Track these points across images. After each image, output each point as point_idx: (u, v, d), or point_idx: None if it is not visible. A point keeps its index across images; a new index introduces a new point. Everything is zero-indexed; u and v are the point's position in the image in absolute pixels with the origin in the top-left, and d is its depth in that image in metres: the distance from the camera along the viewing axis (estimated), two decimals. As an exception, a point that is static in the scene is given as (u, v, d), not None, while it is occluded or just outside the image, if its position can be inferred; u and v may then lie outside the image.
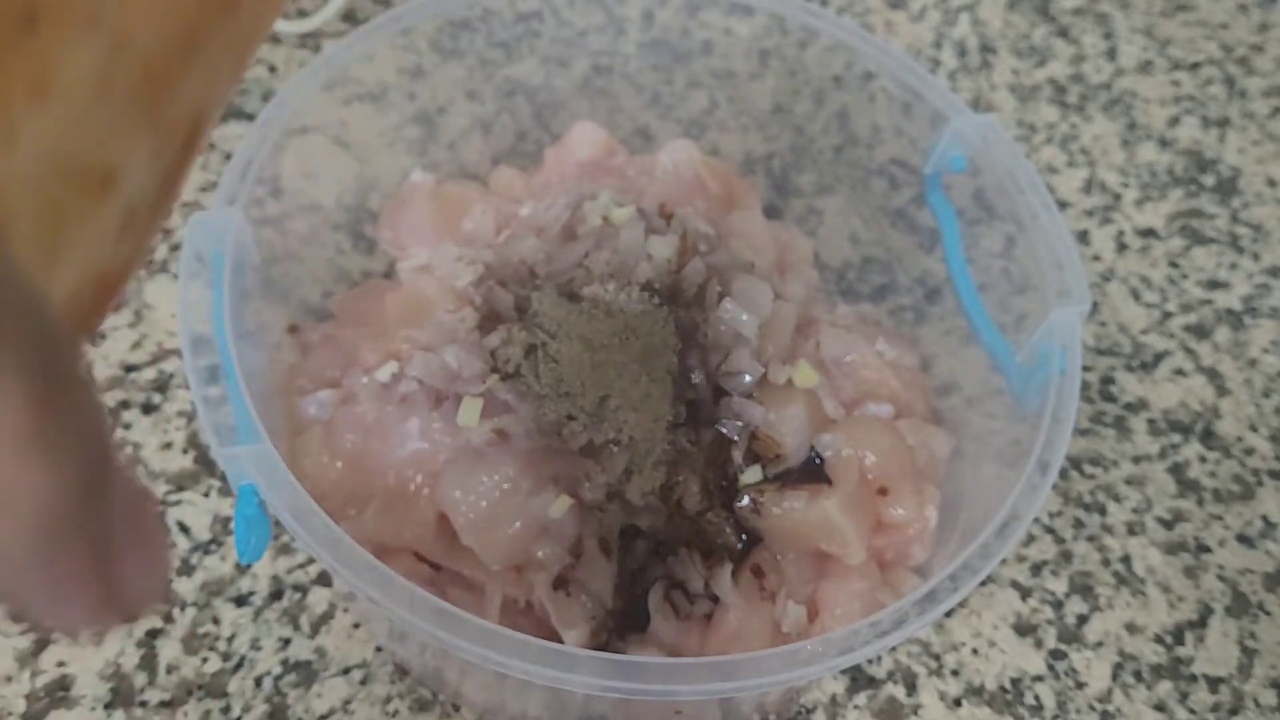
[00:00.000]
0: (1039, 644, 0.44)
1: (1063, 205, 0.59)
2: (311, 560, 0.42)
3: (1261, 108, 0.65)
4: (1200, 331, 0.54)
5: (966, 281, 0.44)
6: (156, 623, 0.41)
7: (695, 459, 0.38)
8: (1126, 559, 0.46)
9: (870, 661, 0.42)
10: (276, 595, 0.42)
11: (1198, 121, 0.64)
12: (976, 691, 0.42)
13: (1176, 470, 0.49)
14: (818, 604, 0.38)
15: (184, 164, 0.17)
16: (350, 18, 0.62)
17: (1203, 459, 0.50)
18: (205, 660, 0.40)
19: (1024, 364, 0.40)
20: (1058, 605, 0.45)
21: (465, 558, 0.37)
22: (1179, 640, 0.44)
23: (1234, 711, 0.43)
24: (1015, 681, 0.43)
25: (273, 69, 0.59)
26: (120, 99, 0.15)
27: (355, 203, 0.47)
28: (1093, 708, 0.42)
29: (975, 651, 0.43)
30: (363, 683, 0.40)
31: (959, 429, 0.43)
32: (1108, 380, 0.52)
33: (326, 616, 0.41)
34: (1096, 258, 0.57)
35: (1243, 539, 0.47)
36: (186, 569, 0.42)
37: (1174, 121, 0.64)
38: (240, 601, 0.41)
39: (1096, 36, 0.68)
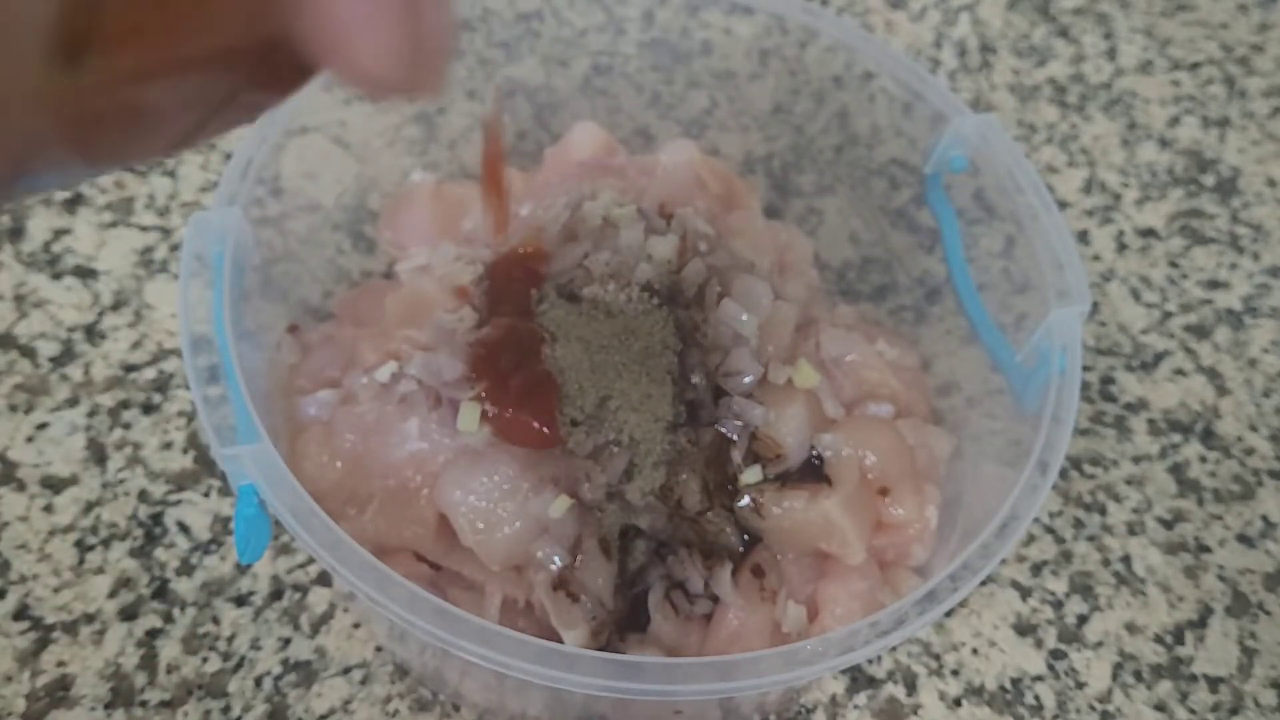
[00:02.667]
0: (1039, 644, 0.44)
1: (1063, 205, 0.59)
2: (311, 560, 0.42)
3: (1261, 108, 0.65)
4: (1200, 331, 0.54)
5: (966, 281, 0.44)
6: (156, 622, 0.41)
7: (695, 459, 0.38)
8: (1126, 559, 0.46)
9: (870, 661, 0.42)
10: (276, 595, 0.42)
11: (1198, 121, 0.64)
12: (976, 691, 0.42)
13: (1176, 470, 0.49)
14: (818, 604, 0.38)
15: None
16: (350, 18, 0.61)
17: (1203, 459, 0.50)
18: (205, 660, 0.40)
19: (1024, 364, 0.40)
20: (1058, 605, 0.45)
21: (465, 558, 0.37)
22: (1179, 640, 0.44)
23: (1234, 711, 0.43)
24: (1015, 681, 0.43)
25: (273, 69, 0.58)
26: None
27: (355, 203, 0.47)
28: (1093, 708, 0.42)
29: (975, 651, 0.43)
30: (363, 683, 0.40)
31: (959, 429, 0.43)
32: (1108, 380, 0.52)
33: (326, 616, 0.41)
34: (1096, 258, 0.57)
35: (1243, 539, 0.47)
36: (186, 569, 0.42)
37: (1174, 121, 0.64)
38: (240, 601, 0.41)
39: (1096, 36, 0.68)
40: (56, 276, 0.49)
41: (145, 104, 0.15)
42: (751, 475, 0.38)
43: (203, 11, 0.15)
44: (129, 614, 0.41)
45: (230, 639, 0.41)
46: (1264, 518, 0.48)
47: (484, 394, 0.37)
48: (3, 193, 0.13)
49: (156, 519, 0.43)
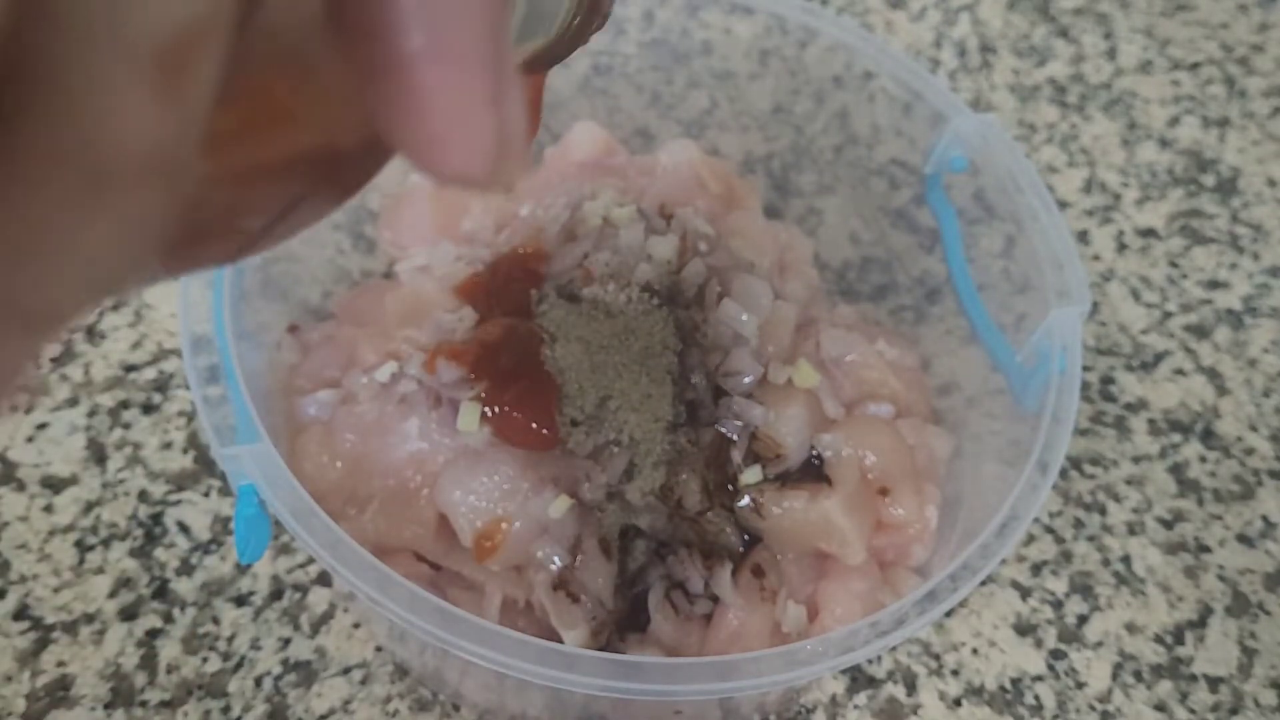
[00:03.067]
0: (1039, 644, 0.44)
1: (1063, 205, 0.59)
2: (311, 560, 0.42)
3: (1261, 108, 0.65)
4: (1200, 331, 0.54)
5: (966, 281, 0.44)
6: (156, 622, 0.41)
7: (695, 459, 0.38)
8: (1126, 559, 0.46)
9: (870, 661, 0.42)
10: (276, 595, 0.42)
11: (1198, 121, 0.64)
12: (976, 691, 0.42)
13: (1176, 470, 0.49)
14: (818, 604, 0.38)
15: None
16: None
17: (1203, 459, 0.50)
18: (205, 660, 0.40)
19: (1024, 364, 0.40)
20: (1058, 605, 0.45)
21: (465, 558, 0.37)
22: (1179, 640, 0.44)
23: (1234, 711, 0.43)
24: (1015, 681, 0.43)
25: (273, 69, 0.58)
26: None
27: (355, 203, 0.47)
28: (1093, 708, 0.42)
29: (975, 651, 0.43)
30: (363, 683, 0.40)
31: (959, 429, 0.43)
32: (1108, 380, 0.52)
33: (326, 616, 0.41)
34: (1096, 258, 0.57)
35: (1243, 539, 0.47)
36: (186, 569, 0.42)
37: (1174, 121, 0.64)
38: (240, 601, 0.41)
39: (1096, 36, 0.68)
40: (56, 276, 0.49)
41: (219, 211, 0.15)
42: (751, 475, 0.38)
43: (296, 114, 0.15)
44: (129, 614, 0.41)
45: (230, 639, 0.41)
46: (1264, 518, 0.48)
47: (484, 394, 0.37)
48: (121, 289, 0.14)
49: (156, 519, 0.43)
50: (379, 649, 0.41)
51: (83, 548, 0.42)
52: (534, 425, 0.36)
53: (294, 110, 0.15)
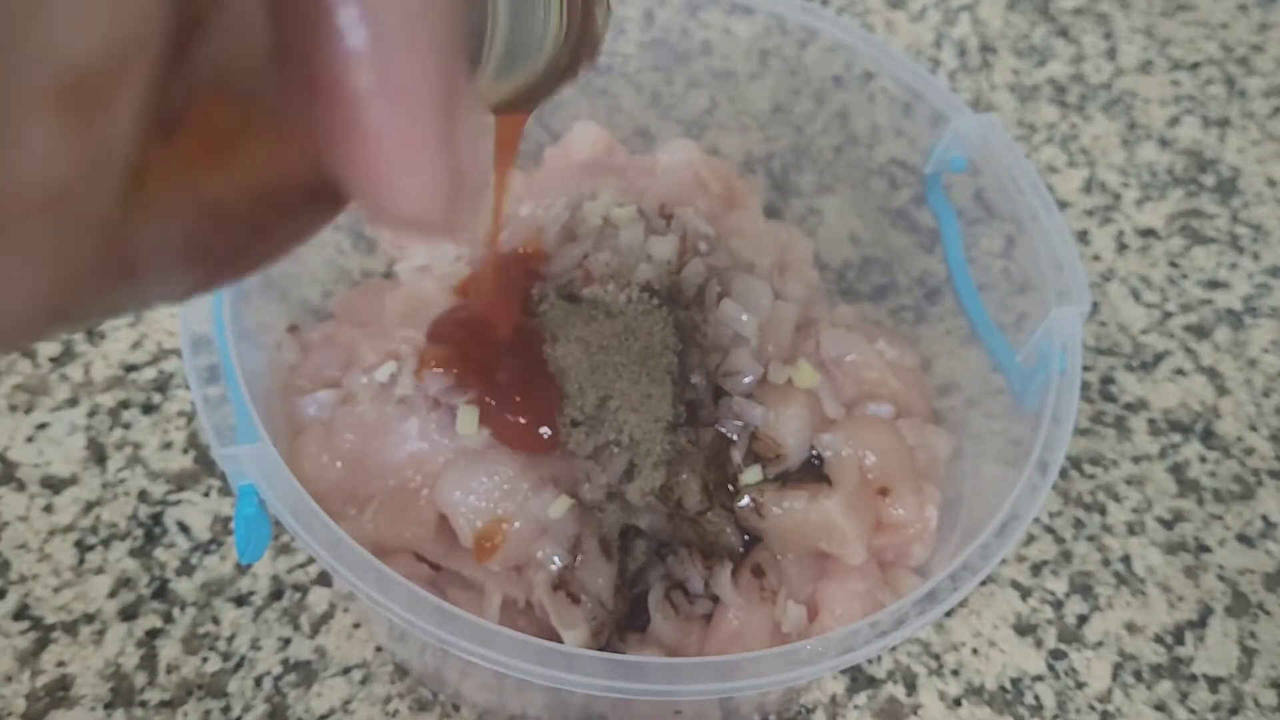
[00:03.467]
0: (1039, 644, 0.44)
1: (1063, 205, 0.59)
2: (311, 560, 0.42)
3: (1261, 108, 0.65)
4: (1200, 331, 0.54)
5: (966, 281, 0.44)
6: (156, 622, 0.41)
7: (695, 459, 0.38)
8: (1126, 559, 0.46)
9: (870, 661, 0.42)
10: (276, 595, 0.42)
11: (1198, 121, 0.64)
12: (976, 691, 0.42)
13: (1176, 470, 0.49)
14: (818, 604, 0.38)
15: None
16: (350, 18, 0.61)
17: (1203, 459, 0.50)
18: (205, 660, 0.40)
19: (1024, 364, 0.40)
20: (1058, 605, 0.45)
21: (465, 558, 0.37)
22: (1179, 640, 0.44)
23: (1234, 711, 0.43)
24: (1015, 681, 0.43)
25: (273, 69, 0.58)
26: None
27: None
28: (1093, 708, 0.42)
29: (975, 651, 0.43)
30: (363, 683, 0.40)
31: (959, 429, 0.43)
32: (1108, 380, 0.52)
33: (326, 616, 0.41)
34: (1096, 258, 0.57)
35: (1243, 539, 0.47)
36: (186, 569, 0.42)
37: (1174, 121, 0.64)
38: (240, 601, 0.41)
39: (1096, 36, 0.68)
40: (56, 276, 0.49)
41: (175, 241, 0.15)
42: (751, 475, 0.38)
43: (246, 148, 0.15)
44: (129, 614, 0.41)
45: (230, 639, 0.41)
46: (1264, 518, 0.48)
47: (483, 397, 0.37)
48: (52, 328, 0.13)
49: (156, 519, 0.43)
50: (379, 649, 0.41)
51: (83, 548, 0.42)
52: (534, 428, 0.36)
53: (243, 144, 0.14)
